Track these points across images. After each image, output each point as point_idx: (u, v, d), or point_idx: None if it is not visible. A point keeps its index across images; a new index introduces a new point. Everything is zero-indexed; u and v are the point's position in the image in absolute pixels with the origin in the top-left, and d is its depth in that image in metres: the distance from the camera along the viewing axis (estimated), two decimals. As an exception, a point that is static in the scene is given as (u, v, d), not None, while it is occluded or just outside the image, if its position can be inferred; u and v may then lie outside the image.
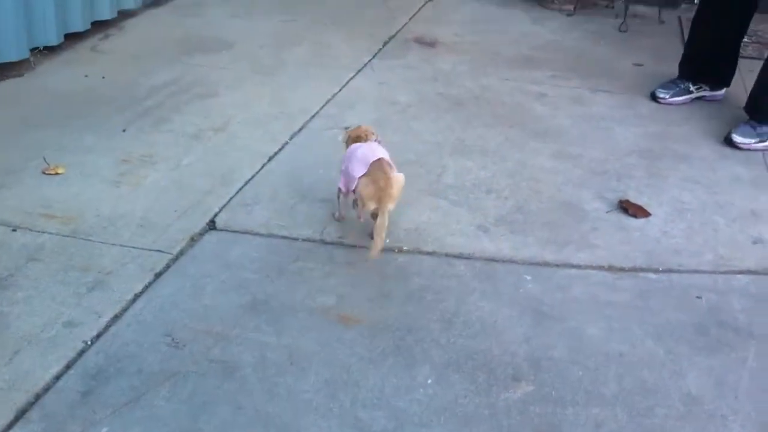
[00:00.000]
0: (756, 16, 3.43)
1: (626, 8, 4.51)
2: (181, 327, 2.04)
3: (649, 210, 2.70)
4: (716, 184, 2.91)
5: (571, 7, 4.69)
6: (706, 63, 3.51)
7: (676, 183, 2.90)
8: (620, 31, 4.43)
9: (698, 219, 2.67)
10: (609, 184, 2.85)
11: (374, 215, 2.24)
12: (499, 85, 3.61)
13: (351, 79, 3.55)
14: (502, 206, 2.66)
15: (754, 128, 3.18)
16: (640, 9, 4.86)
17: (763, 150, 3.15)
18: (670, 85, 3.57)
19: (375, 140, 2.39)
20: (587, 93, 3.61)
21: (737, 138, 3.17)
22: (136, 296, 2.14)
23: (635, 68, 3.95)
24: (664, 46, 4.23)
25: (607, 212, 2.68)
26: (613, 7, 4.65)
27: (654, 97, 3.56)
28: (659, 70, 3.91)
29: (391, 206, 2.24)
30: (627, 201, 2.73)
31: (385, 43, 4.00)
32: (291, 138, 2.99)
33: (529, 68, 3.85)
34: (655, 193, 2.82)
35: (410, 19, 4.39)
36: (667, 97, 3.54)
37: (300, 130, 3.06)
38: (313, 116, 3.17)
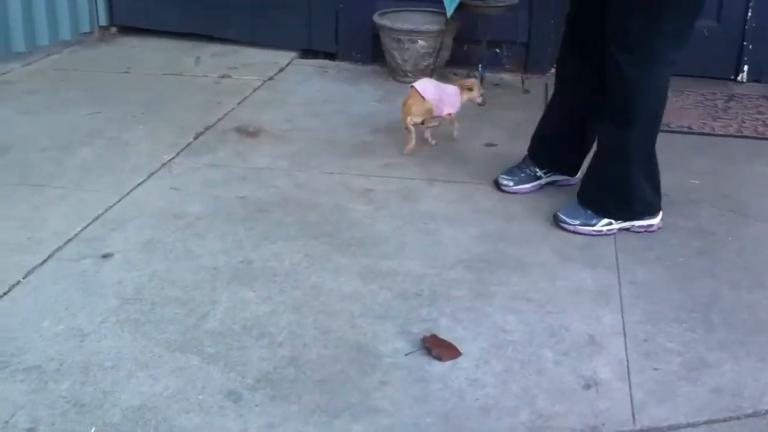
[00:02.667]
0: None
1: (482, 79, 4.05)
2: None
3: (461, 347, 2.17)
4: (552, 300, 2.40)
5: (427, 79, 4.23)
6: (552, 148, 3.04)
7: (503, 303, 2.38)
8: (477, 104, 3.96)
9: (520, 355, 2.15)
10: (419, 312, 2.32)
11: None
12: (319, 182, 3.09)
13: (137, 186, 2.98)
14: (271, 358, 2.10)
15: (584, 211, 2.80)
16: (505, 77, 4.42)
17: (586, 233, 2.75)
18: (515, 170, 3.09)
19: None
20: (422, 185, 3.11)
21: (561, 216, 2.80)
22: None
23: (486, 149, 3.47)
24: (525, 121, 3.76)
25: (406, 355, 2.14)
26: (475, 77, 4.19)
27: (498, 185, 3.07)
28: (514, 150, 3.42)
29: (411, 119, 3.33)
30: (433, 337, 2.20)
31: (197, 136, 3.46)
32: (26, 276, 2.41)
33: (363, 157, 3.34)
34: (475, 319, 2.29)
35: (239, 103, 3.87)
36: (511, 185, 3.05)
37: (43, 262, 2.47)
38: (68, 241, 2.59)
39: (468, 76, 4.33)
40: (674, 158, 3.38)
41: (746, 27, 4.31)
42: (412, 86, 3.35)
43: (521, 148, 3.43)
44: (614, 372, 2.10)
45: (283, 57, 4.56)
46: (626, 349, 2.18)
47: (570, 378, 2.07)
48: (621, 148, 2.74)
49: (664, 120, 3.74)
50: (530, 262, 2.60)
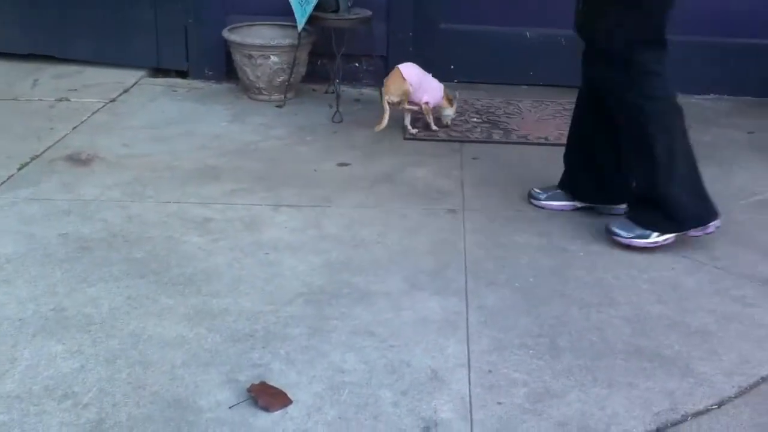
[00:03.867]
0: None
1: (338, 96, 3.89)
2: None
3: (293, 393, 1.98)
4: (396, 333, 2.24)
5: (281, 97, 4.03)
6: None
7: (343, 339, 2.20)
8: (333, 122, 3.81)
9: (357, 398, 1.98)
10: (250, 356, 2.12)
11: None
12: (153, 213, 2.84)
13: (-60, 229, 2.68)
14: (73, 423, 1.85)
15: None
16: (366, 92, 4.28)
17: (642, 246, 2.68)
18: (551, 186, 3.00)
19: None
20: (268, 211, 2.91)
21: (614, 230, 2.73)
22: None
23: (339, 169, 3.30)
24: (383, 138, 3.63)
25: (230, 408, 1.93)
26: (333, 92, 4.02)
27: (529, 197, 2.99)
28: (369, 169, 3.29)
29: (389, 97, 3.46)
30: (261, 385, 2.00)
31: (21, 167, 3.16)
32: None
33: (207, 183, 3.11)
34: (310, 361, 2.11)
35: (74, 128, 3.58)
36: (542, 198, 3.00)
37: None
38: None
39: (326, 92, 4.18)
40: (531, 171, 3.31)
41: (602, 35, 4.30)
42: (397, 67, 3.49)
43: (376, 167, 3.30)
44: (456, 410, 1.95)
45: (131, 77, 4.28)
46: (470, 383, 2.04)
47: (408, 420, 1.91)
48: (649, 176, 2.67)
49: (523, 132, 3.74)
50: (376, 291, 2.44)
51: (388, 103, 3.46)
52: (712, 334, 2.26)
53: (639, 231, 2.69)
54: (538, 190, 3.01)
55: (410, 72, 3.49)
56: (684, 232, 2.69)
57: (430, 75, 3.59)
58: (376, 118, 3.89)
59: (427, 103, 3.55)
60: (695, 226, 2.67)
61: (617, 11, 2.55)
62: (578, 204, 2.96)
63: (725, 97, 4.29)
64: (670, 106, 2.63)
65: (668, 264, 2.62)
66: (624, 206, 2.86)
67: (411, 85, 3.46)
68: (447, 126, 3.69)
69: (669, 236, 2.68)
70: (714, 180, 3.11)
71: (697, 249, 2.70)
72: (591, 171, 2.87)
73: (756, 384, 2.05)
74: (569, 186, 2.97)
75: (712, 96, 4.30)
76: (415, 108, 3.58)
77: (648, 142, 2.61)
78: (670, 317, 2.33)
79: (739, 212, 2.97)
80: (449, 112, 3.65)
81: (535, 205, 2.99)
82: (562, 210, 2.96)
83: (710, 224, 2.67)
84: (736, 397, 2.01)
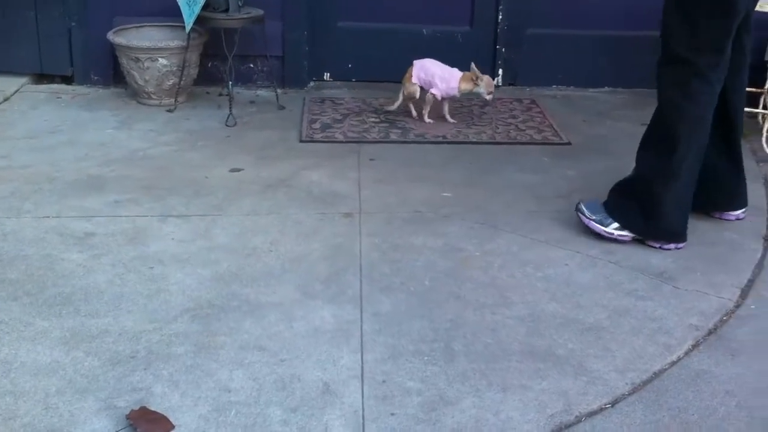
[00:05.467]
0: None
1: (231, 98, 3.77)
2: None
3: (176, 417, 1.87)
4: (287, 346, 2.15)
5: (172, 101, 3.89)
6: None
7: (231, 355, 2.11)
8: (227, 125, 3.69)
9: (245, 418, 1.88)
10: (131, 380, 2.00)
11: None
12: (30, 230, 2.68)
13: None
14: (-70, 464, 1.72)
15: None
16: (261, 93, 4.17)
17: (597, 232, 2.70)
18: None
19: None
20: (154, 222, 2.78)
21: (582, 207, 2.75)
22: None
23: (231, 175, 3.19)
24: (279, 140, 3.54)
25: (107, 437, 1.82)
26: (227, 95, 3.89)
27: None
28: (262, 174, 3.18)
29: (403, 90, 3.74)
30: (142, 410, 1.89)
31: None
32: None
33: (88, 195, 2.96)
34: (196, 380, 2.01)
35: (-55, 142, 3.37)
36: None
37: None
38: None
39: (220, 95, 4.05)
40: (428, 171, 3.27)
41: (498, 30, 4.31)
42: (413, 62, 3.73)
43: (270, 172, 3.21)
44: (348, 424, 1.88)
45: (11, 84, 4.06)
46: (363, 395, 1.98)
47: (298, 440, 1.83)
48: (654, 170, 2.62)
49: (421, 131, 3.70)
50: (267, 303, 2.35)
51: (403, 95, 3.76)
52: (606, 330, 2.25)
53: (602, 216, 2.69)
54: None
55: (418, 72, 3.70)
56: (653, 240, 2.68)
57: (445, 68, 3.72)
58: (272, 120, 3.81)
59: (434, 94, 3.70)
60: (668, 240, 2.67)
61: (683, 15, 2.52)
62: None
63: (619, 89, 4.35)
64: (705, 115, 2.60)
65: (562, 260, 2.61)
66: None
67: (418, 84, 3.71)
68: (487, 104, 3.82)
69: (628, 234, 2.68)
70: (607, 172, 3.15)
71: (590, 243, 2.70)
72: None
73: (649, 380, 2.05)
74: None
75: (606, 89, 4.36)
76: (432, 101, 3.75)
77: (673, 141, 2.57)
78: (564, 315, 2.32)
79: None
80: (482, 92, 3.68)
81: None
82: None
83: (673, 244, 2.68)
84: (629, 394, 2.00)
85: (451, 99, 3.77)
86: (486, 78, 3.69)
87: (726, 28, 2.51)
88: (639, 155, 2.72)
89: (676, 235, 2.67)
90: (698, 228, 2.75)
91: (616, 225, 2.68)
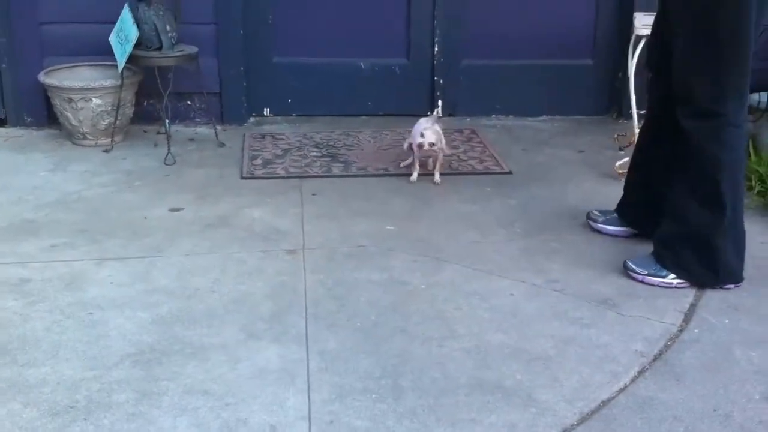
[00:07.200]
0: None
1: (168, 136, 3.72)
2: None
3: (116, 470, 1.82)
4: (233, 389, 2.10)
5: (109, 141, 3.82)
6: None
7: (174, 401, 2.05)
8: (165, 164, 3.63)
9: (189, 467, 1.83)
10: (70, 431, 1.93)
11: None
12: (-39, 279, 2.59)
13: None
14: None
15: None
16: (201, 131, 4.12)
17: (656, 285, 2.65)
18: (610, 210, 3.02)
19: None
20: (91, 266, 2.71)
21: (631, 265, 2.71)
22: None
23: (170, 215, 3.13)
24: (218, 178, 3.49)
25: (44, 494, 1.75)
26: (165, 133, 3.84)
27: (587, 217, 3.01)
28: (201, 213, 3.13)
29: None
30: (81, 464, 1.83)
31: None
32: None
33: (23, 240, 2.87)
34: (138, 429, 1.94)
35: None
36: (600, 220, 3.03)
37: None
38: None
39: (159, 133, 3.99)
40: (371, 205, 3.26)
41: (435, 62, 4.35)
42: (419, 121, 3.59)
43: (211, 210, 3.17)
44: (297, 468, 1.84)
45: (-61, 128, 3.95)
46: (311, 438, 1.94)
47: (245, 486, 1.78)
48: (709, 225, 2.59)
49: (363, 164, 3.69)
50: (210, 345, 2.30)
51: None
52: (552, 360, 2.25)
53: (656, 269, 2.66)
54: (597, 213, 3.05)
55: (414, 132, 3.53)
56: (713, 286, 2.65)
57: (429, 122, 3.55)
58: (211, 158, 3.77)
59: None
60: (729, 283, 2.65)
61: (700, 66, 2.52)
62: (632, 230, 2.97)
63: (557, 117, 4.42)
64: (742, 157, 2.64)
65: (507, 290, 2.62)
66: None
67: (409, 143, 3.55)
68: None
69: (686, 282, 2.65)
70: (548, 200, 3.18)
71: (534, 272, 2.72)
72: (648, 201, 2.85)
73: (597, 409, 2.05)
74: (624, 212, 2.99)
75: (544, 117, 4.42)
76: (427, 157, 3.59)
77: (723, 195, 2.56)
78: (511, 345, 2.32)
79: (572, 232, 3.03)
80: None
81: (593, 228, 3.03)
82: (616, 235, 2.98)
83: (732, 284, 2.67)
84: (578, 424, 2.00)
85: (425, 153, 3.53)
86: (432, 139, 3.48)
87: (744, 69, 2.53)
88: (686, 207, 2.64)
89: (735, 275, 2.66)
90: (639, 253, 2.79)
91: (672, 276, 2.66)
